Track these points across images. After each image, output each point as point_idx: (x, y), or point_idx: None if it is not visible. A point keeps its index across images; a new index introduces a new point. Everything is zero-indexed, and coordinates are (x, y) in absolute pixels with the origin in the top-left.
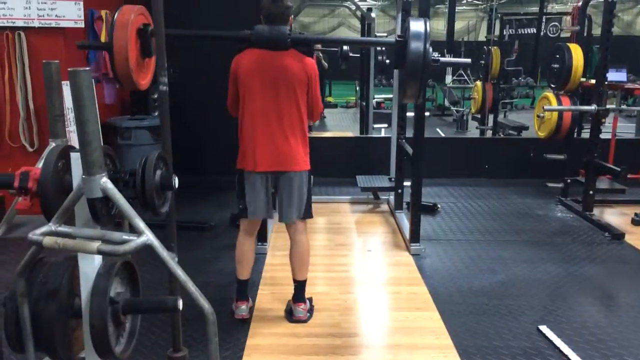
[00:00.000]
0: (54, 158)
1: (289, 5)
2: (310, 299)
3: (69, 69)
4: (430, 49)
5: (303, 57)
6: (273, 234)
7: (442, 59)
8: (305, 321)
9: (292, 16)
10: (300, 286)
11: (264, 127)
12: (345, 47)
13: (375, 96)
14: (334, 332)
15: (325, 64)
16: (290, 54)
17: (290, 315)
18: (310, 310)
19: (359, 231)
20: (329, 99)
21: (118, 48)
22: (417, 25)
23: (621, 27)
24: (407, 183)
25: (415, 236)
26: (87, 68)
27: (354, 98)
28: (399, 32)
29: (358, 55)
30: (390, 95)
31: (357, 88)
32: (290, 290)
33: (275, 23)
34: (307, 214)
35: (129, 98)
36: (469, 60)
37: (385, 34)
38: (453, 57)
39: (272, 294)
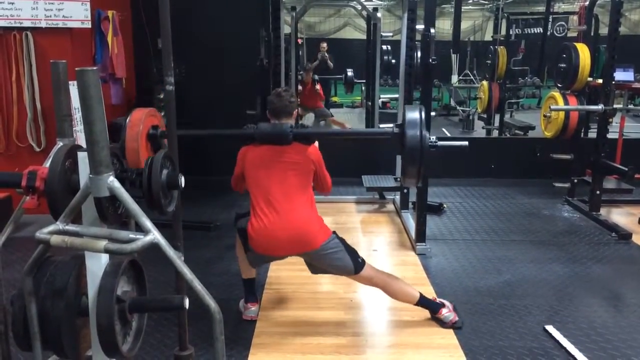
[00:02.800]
0: (61, 157)
1: (292, 101)
2: (453, 304)
3: (76, 69)
4: (427, 135)
5: (307, 148)
6: None
7: (439, 143)
8: (455, 322)
9: (297, 109)
10: (424, 304)
11: (272, 211)
12: (350, 74)
13: (381, 96)
14: (339, 331)
15: (331, 64)
16: (295, 147)
17: (442, 324)
18: (455, 309)
19: (364, 231)
20: (335, 98)
21: (130, 154)
22: (412, 114)
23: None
24: None
25: (421, 236)
26: (95, 68)
27: (360, 98)
28: (404, 32)
29: (364, 81)
30: (396, 95)
31: (363, 88)
32: (295, 289)
33: (280, 116)
34: (358, 267)
35: (135, 98)
36: (466, 143)
37: (391, 34)
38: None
39: (278, 293)
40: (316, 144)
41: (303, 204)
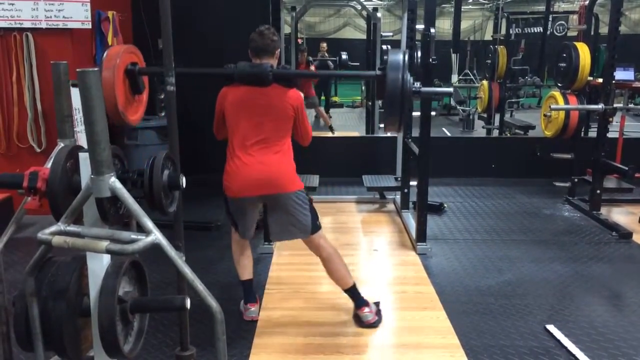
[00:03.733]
0: (62, 158)
1: (275, 39)
2: (377, 303)
3: (77, 70)
4: (411, 80)
5: (287, 91)
6: None
7: (423, 89)
8: (374, 323)
9: (279, 49)
10: (351, 293)
11: (247, 155)
12: (344, 57)
13: None
14: (340, 331)
15: (331, 65)
16: (274, 89)
17: (359, 321)
18: (379, 312)
19: (365, 231)
20: (335, 98)
21: (105, 89)
22: (395, 57)
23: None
24: (413, 182)
25: (421, 235)
26: (96, 69)
27: (360, 98)
28: (404, 32)
29: (358, 64)
30: None
31: (363, 88)
32: (296, 289)
33: (261, 56)
34: (315, 229)
35: None
36: (451, 90)
37: (391, 34)
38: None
39: (279, 293)
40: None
41: (279, 150)
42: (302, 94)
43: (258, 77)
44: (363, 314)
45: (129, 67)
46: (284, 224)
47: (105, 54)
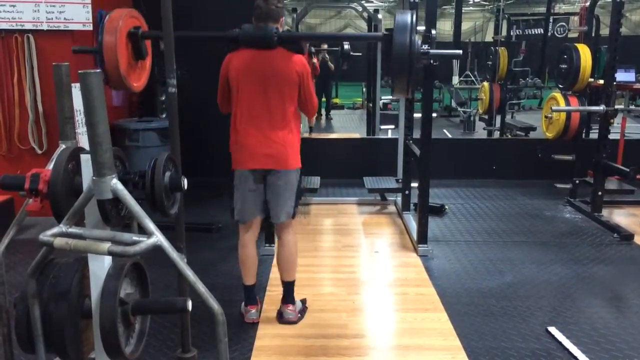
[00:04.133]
0: (64, 160)
1: (279, 5)
2: (304, 300)
3: (79, 72)
4: (419, 42)
5: (292, 55)
6: None
7: (432, 50)
8: (295, 322)
9: (284, 16)
10: (288, 287)
11: (253, 126)
12: (346, 46)
13: (382, 97)
14: (341, 333)
15: (332, 65)
16: (279, 53)
17: (280, 317)
18: (302, 312)
19: (366, 232)
20: (336, 100)
21: (107, 52)
22: (403, 18)
23: (629, 27)
24: (414, 184)
25: (422, 237)
26: (98, 70)
27: (361, 99)
28: None
29: (360, 54)
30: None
31: (364, 89)
32: (297, 291)
33: (266, 21)
34: (293, 214)
35: (136, 100)
36: (459, 51)
37: None
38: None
39: (280, 295)
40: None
41: (285, 127)
42: (304, 59)
43: (263, 38)
44: (287, 311)
45: (131, 30)
46: (275, 198)
47: (106, 17)
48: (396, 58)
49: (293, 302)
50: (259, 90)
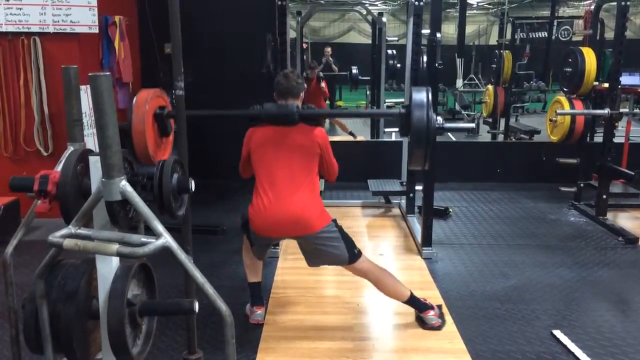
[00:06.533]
0: (73, 161)
1: (300, 82)
2: (440, 306)
3: (89, 74)
4: (434, 116)
5: (312, 130)
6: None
7: (446, 125)
8: (439, 327)
9: (304, 90)
10: (411, 303)
11: (277, 193)
12: (354, 71)
13: (386, 100)
14: (346, 336)
15: (336, 68)
16: (300, 129)
17: (423, 324)
18: (442, 316)
19: (370, 235)
20: (339, 103)
21: (136, 136)
22: (419, 95)
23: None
24: (418, 187)
25: (427, 240)
26: (108, 73)
27: (365, 102)
28: (410, 37)
29: (368, 78)
30: (401, 100)
31: (368, 92)
32: (302, 293)
33: (287, 98)
34: (354, 257)
35: None
36: (472, 124)
37: (396, 38)
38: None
39: (285, 297)
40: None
41: (306, 188)
42: (324, 131)
43: (285, 117)
44: (427, 318)
45: (157, 111)
46: (318, 257)
47: (134, 100)
48: (414, 133)
49: (428, 308)
50: (282, 163)
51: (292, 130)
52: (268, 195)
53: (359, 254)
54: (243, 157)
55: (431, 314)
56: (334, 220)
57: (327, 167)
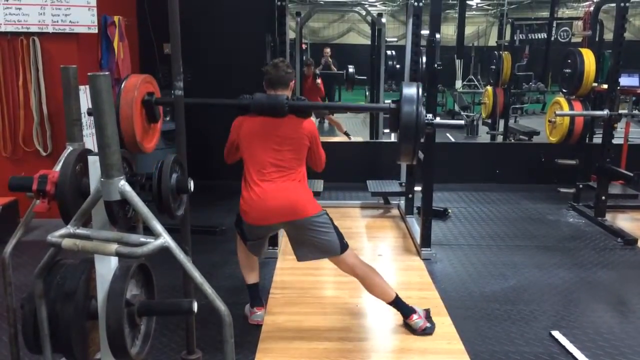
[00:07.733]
0: (72, 161)
1: (289, 72)
2: (428, 310)
3: (89, 74)
4: (424, 112)
5: (301, 122)
6: (283, 238)
7: (435, 121)
8: (427, 331)
9: (294, 80)
10: (396, 305)
11: (268, 182)
12: (351, 70)
13: (385, 101)
14: (344, 336)
15: (335, 69)
16: (289, 120)
17: (413, 330)
18: (429, 318)
19: (369, 236)
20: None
21: (124, 122)
22: (409, 90)
23: (633, 32)
24: (417, 188)
25: (426, 241)
26: (107, 73)
27: (364, 102)
28: (409, 38)
29: (364, 77)
30: None
31: (367, 93)
32: (301, 294)
33: (276, 88)
34: (344, 247)
35: None
36: (462, 122)
37: (396, 39)
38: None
39: (283, 297)
40: (312, 118)
41: (295, 178)
42: (313, 122)
43: (274, 108)
44: (413, 322)
45: (145, 97)
46: (309, 246)
47: (122, 86)
48: (403, 129)
49: (412, 311)
50: (271, 154)
51: (282, 121)
52: (260, 186)
53: (347, 245)
54: (229, 144)
55: (415, 317)
56: (325, 210)
57: (315, 158)
